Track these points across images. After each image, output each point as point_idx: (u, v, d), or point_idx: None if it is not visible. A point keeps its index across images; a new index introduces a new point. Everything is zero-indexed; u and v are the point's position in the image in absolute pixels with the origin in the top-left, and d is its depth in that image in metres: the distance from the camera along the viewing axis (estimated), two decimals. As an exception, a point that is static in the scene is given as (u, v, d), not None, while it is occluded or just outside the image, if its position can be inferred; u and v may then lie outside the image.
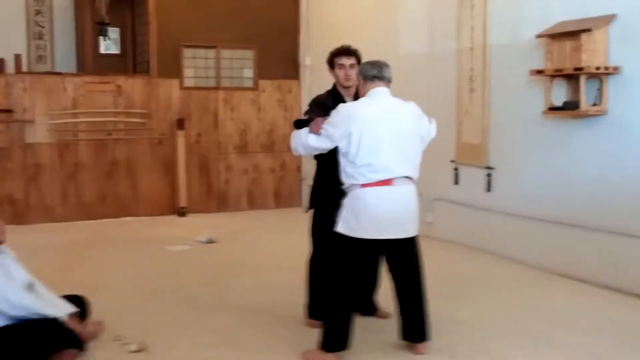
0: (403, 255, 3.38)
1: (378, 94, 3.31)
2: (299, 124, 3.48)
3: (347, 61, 3.73)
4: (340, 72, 3.74)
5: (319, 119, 3.35)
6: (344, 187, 3.33)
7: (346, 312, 3.26)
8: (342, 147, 3.25)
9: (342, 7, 7.39)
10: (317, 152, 3.49)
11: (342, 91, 3.79)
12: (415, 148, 3.35)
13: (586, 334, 3.62)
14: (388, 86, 3.37)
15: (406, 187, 3.28)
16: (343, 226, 3.27)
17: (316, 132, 3.31)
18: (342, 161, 3.29)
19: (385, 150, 3.19)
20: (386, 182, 3.21)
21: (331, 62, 3.81)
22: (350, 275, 3.28)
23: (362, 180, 3.21)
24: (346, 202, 3.29)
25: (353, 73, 3.67)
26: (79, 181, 7.24)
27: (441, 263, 5.24)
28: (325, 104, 3.64)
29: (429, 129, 3.53)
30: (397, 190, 3.24)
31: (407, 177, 3.28)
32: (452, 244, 5.86)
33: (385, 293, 3.83)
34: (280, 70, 8.03)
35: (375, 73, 3.32)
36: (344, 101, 3.70)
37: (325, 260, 3.58)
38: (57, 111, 7.11)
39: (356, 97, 3.66)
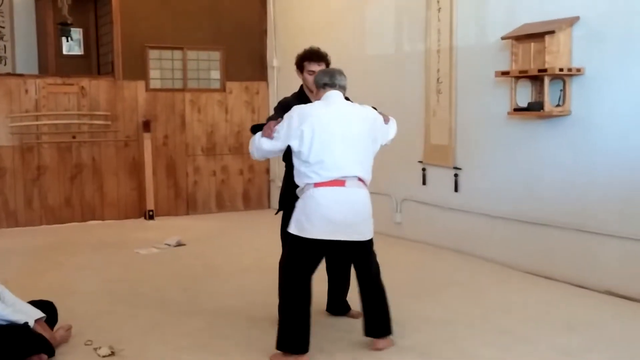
0: (358, 257, 3.44)
1: (332, 97, 3.39)
2: (255, 129, 3.49)
3: (317, 67, 3.73)
4: (310, 77, 3.73)
5: (271, 122, 3.38)
6: (299, 189, 3.35)
7: (301, 313, 3.25)
8: (295, 146, 3.27)
9: (309, 8, 7.42)
10: (272, 155, 3.55)
11: (310, 94, 3.80)
12: (367, 150, 3.39)
13: (557, 331, 3.69)
14: (341, 92, 3.44)
15: (359, 190, 3.32)
16: (294, 227, 3.29)
17: (268, 136, 3.33)
18: (296, 162, 3.32)
19: (337, 148, 3.24)
20: (339, 183, 3.25)
21: (300, 66, 3.82)
22: (303, 276, 3.29)
23: (316, 179, 3.24)
24: (299, 203, 3.32)
25: None
26: (43, 185, 7.11)
27: (410, 263, 5.30)
28: (291, 107, 3.65)
29: (386, 130, 3.58)
30: (349, 192, 3.28)
31: (359, 179, 3.32)
32: (420, 244, 5.92)
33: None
34: (247, 72, 8.02)
35: (326, 81, 3.40)
36: None
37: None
38: (19, 113, 6.97)
39: None
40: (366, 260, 3.44)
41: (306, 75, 3.77)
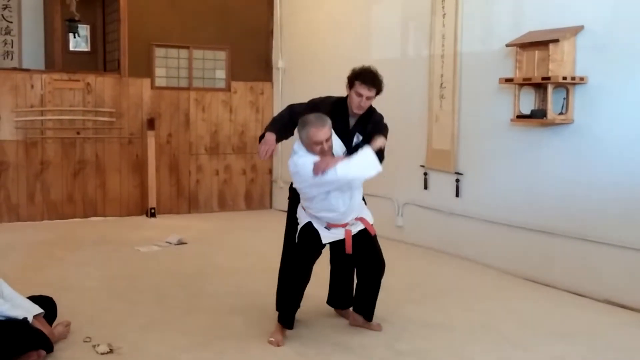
0: None
1: None
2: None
3: (366, 92, 3.52)
4: (356, 99, 3.54)
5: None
6: None
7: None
8: None
9: (315, 10, 7.42)
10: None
11: (350, 111, 3.60)
12: None
13: (557, 339, 3.69)
14: None
15: None
16: None
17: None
18: None
19: None
20: None
21: (351, 83, 3.56)
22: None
23: None
24: None
25: (367, 104, 3.56)
26: (45, 180, 7.13)
27: (411, 267, 5.31)
28: (323, 111, 3.48)
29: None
30: None
31: None
32: (421, 248, 5.93)
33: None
34: (252, 72, 8.03)
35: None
36: (347, 121, 3.59)
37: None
38: (24, 108, 6.99)
39: (361, 118, 3.59)
40: None
41: (353, 94, 3.53)
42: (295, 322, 3.67)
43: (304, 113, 3.49)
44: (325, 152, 3.33)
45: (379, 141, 3.47)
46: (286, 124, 3.67)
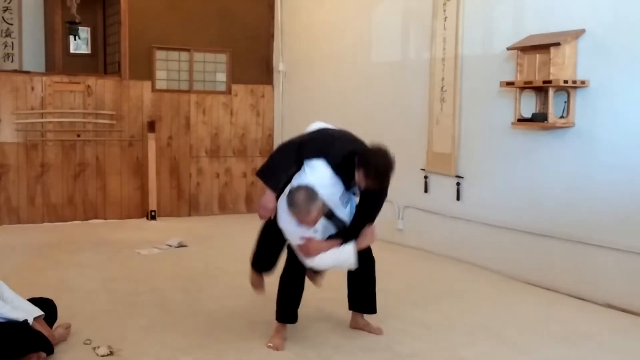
0: None
1: None
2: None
3: (371, 187, 3.40)
4: (359, 181, 3.40)
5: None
6: None
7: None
8: None
9: (316, 14, 7.43)
10: None
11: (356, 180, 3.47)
12: None
13: (557, 342, 3.69)
14: None
15: None
16: None
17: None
18: None
19: None
20: None
21: (358, 168, 3.37)
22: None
23: None
24: None
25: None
26: (46, 182, 7.13)
27: (411, 270, 5.31)
28: (332, 160, 3.43)
29: None
30: None
31: None
32: (422, 251, 5.93)
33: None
34: (253, 75, 8.04)
35: None
36: (351, 177, 3.43)
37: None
38: (25, 110, 6.99)
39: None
40: None
41: (358, 179, 3.38)
42: (296, 321, 3.64)
43: (313, 155, 3.40)
44: (310, 226, 3.35)
45: (367, 239, 3.46)
46: (290, 169, 3.55)
